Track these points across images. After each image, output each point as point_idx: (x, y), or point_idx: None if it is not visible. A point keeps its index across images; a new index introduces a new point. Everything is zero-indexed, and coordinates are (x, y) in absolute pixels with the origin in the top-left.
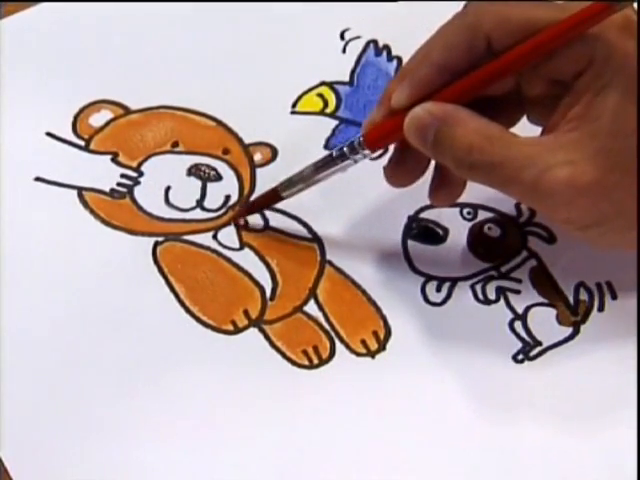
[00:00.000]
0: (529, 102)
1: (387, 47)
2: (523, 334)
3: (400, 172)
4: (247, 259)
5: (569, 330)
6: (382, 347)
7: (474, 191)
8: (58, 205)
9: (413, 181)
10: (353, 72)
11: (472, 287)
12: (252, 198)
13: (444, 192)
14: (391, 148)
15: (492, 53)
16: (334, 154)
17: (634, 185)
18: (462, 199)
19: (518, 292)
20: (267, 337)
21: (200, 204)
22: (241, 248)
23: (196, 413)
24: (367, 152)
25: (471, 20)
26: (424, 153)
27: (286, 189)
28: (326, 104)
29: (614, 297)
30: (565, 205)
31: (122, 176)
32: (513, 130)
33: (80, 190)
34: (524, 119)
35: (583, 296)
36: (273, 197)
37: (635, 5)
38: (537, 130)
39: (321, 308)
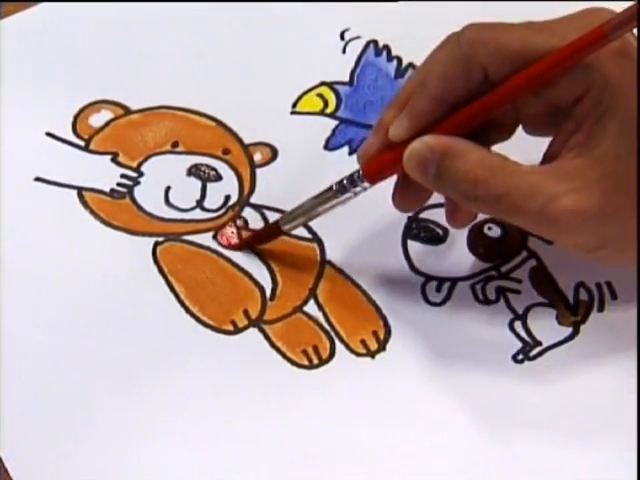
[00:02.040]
0: (525, 118)
1: (387, 47)
2: (523, 334)
3: (407, 198)
4: (247, 259)
5: (569, 330)
6: (382, 347)
7: None
8: (58, 205)
9: (421, 204)
10: (353, 72)
11: (472, 287)
12: (254, 230)
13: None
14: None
15: (489, 82)
16: (334, 188)
17: (636, 206)
18: None
19: (518, 292)
20: (267, 337)
21: (200, 204)
22: (241, 248)
23: (196, 413)
24: (366, 185)
25: (466, 51)
26: (426, 186)
27: (287, 223)
28: (326, 104)
29: (614, 297)
30: (572, 232)
31: (122, 176)
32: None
33: (80, 190)
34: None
35: (583, 296)
36: (274, 231)
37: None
38: (532, 140)
39: (321, 308)
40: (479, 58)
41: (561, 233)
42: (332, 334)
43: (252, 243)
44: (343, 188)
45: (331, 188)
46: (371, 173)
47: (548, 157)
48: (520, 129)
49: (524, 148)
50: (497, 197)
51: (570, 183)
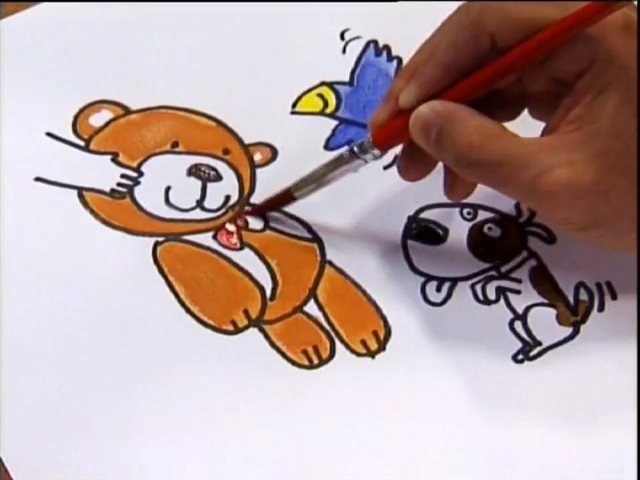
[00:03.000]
0: (531, 97)
1: (387, 47)
2: (523, 334)
3: (412, 166)
4: (247, 259)
5: (569, 330)
6: (382, 347)
7: (474, 191)
8: (58, 205)
9: (425, 174)
10: (353, 72)
11: (472, 287)
12: (265, 198)
13: (458, 187)
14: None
15: (497, 51)
16: (344, 154)
17: (633, 188)
18: None
19: (518, 292)
20: (267, 337)
21: (200, 204)
22: (241, 248)
23: (196, 413)
24: (377, 152)
25: (475, 18)
26: (427, 151)
27: (299, 189)
28: (326, 104)
29: (614, 297)
30: (564, 206)
31: (122, 176)
32: (517, 128)
33: (80, 190)
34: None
35: (583, 296)
36: (286, 197)
37: (635, 4)
38: (539, 126)
39: (321, 308)
40: (488, 25)
41: (553, 206)
42: (332, 334)
43: (264, 209)
44: (353, 155)
45: (342, 155)
46: (380, 139)
47: (548, 131)
48: (526, 113)
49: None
50: (491, 164)
51: (565, 155)
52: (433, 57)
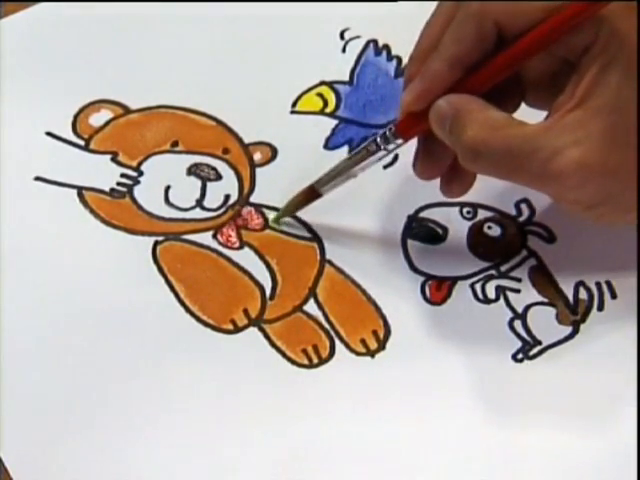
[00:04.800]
0: (529, 84)
1: (387, 47)
2: (523, 333)
3: (428, 163)
4: (247, 259)
5: (569, 329)
6: (382, 346)
7: (474, 190)
8: (58, 205)
9: (441, 171)
10: (353, 72)
11: (472, 286)
12: (289, 199)
13: (455, 185)
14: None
15: (502, 39)
16: (367, 146)
17: (637, 162)
18: (462, 198)
19: (518, 291)
20: (267, 336)
21: (200, 203)
22: (241, 247)
23: (195, 412)
24: (399, 141)
25: (477, 8)
26: (447, 145)
27: (324, 185)
28: (326, 104)
29: (614, 296)
30: (575, 187)
31: (122, 176)
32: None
33: (80, 190)
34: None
35: (583, 295)
36: (311, 194)
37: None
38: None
39: (321, 307)
40: (491, 14)
41: (564, 188)
42: (332, 333)
43: (292, 211)
44: (377, 145)
45: (365, 147)
46: (403, 128)
47: (554, 110)
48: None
49: None
50: (499, 155)
51: (571, 135)
52: (438, 53)
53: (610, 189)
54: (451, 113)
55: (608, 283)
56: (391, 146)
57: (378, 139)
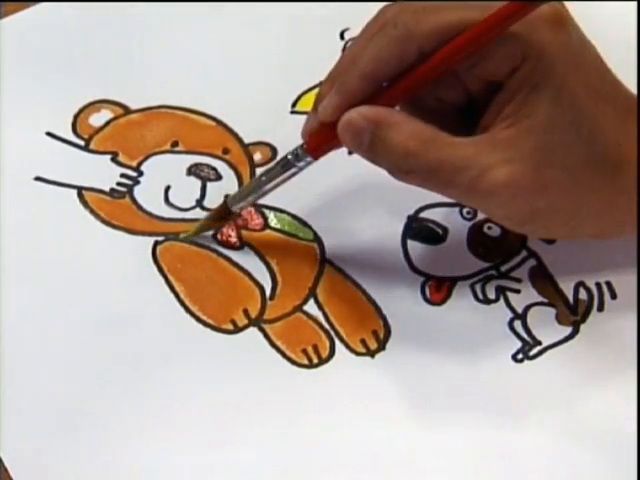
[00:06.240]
0: (475, 104)
1: None
2: (523, 333)
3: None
4: (247, 258)
5: (569, 329)
6: (382, 347)
7: None
8: (58, 205)
9: None
10: None
11: (472, 287)
12: (204, 217)
13: None
14: None
15: (423, 59)
16: (279, 163)
17: (571, 181)
18: None
19: (518, 291)
20: (267, 336)
21: (200, 204)
22: (241, 247)
23: (195, 412)
24: (310, 159)
25: (402, 32)
26: (361, 156)
27: (236, 203)
28: None
29: (614, 297)
30: (503, 204)
31: (122, 176)
32: None
33: (80, 190)
34: None
35: (583, 295)
36: (224, 212)
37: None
38: None
39: (321, 307)
40: (416, 39)
41: (492, 206)
42: (332, 333)
43: (203, 230)
44: (288, 163)
45: (277, 164)
46: (312, 147)
47: (482, 129)
48: None
49: None
50: (429, 170)
51: (502, 154)
52: (355, 67)
53: (539, 207)
54: (370, 126)
55: (608, 283)
56: (302, 164)
57: (289, 157)
